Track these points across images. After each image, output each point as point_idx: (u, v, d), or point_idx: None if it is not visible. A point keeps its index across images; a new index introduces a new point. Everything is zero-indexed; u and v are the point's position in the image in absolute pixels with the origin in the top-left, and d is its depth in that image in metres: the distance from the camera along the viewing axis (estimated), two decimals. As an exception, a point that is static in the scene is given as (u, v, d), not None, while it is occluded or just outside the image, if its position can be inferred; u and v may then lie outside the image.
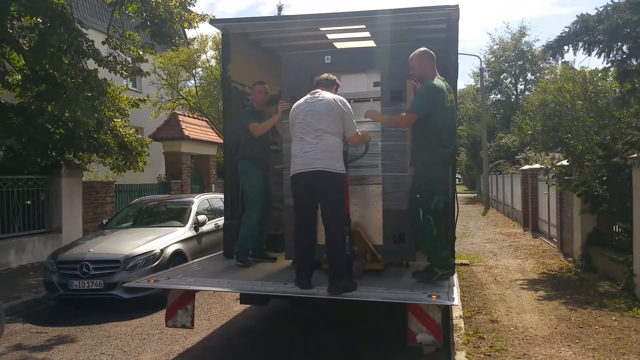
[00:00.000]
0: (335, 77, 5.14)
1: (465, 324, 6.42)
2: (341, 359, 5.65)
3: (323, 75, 5.11)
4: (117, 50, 11.73)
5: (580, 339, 5.78)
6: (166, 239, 8.29)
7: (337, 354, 5.77)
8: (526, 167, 15.69)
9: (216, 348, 6.08)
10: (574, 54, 23.66)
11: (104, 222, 9.85)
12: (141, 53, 12.15)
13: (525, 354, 5.38)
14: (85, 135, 11.41)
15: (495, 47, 39.15)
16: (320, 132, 4.73)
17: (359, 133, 4.98)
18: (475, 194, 38.15)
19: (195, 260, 6.96)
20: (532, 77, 37.12)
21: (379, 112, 5.27)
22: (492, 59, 38.52)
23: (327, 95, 4.89)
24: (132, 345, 6.18)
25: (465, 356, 5.32)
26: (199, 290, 5.20)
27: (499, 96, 38.76)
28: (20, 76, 11.30)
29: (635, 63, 6.10)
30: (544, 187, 13.45)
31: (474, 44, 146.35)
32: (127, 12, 11.71)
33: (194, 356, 5.81)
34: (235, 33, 6.88)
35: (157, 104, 24.35)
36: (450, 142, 5.10)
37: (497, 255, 11.91)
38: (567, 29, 6.26)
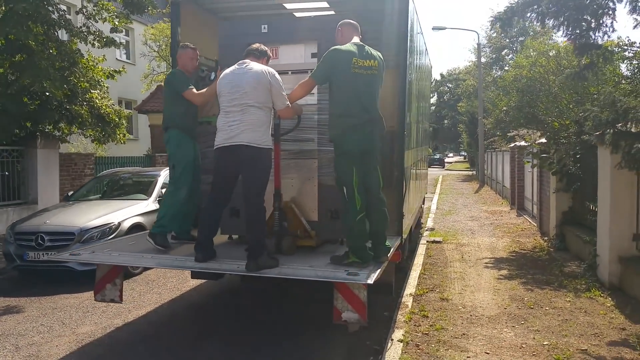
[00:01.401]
0: (266, 49, 4.92)
1: (414, 301, 6.33)
2: (278, 333, 5.57)
3: (254, 45, 4.88)
4: (90, 20, 11.53)
5: (527, 320, 5.66)
6: (126, 212, 8.20)
7: (277, 329, 5.70)
8: (514, 144, 15.44)
9: (157, 322, 6.03)
10: (525, 24, 23.23)
11: (70, 193, 9.79)
12: (116, 23, 11.95)
13: (464, 334, 5.27)
14: (58, 106, 11.27)
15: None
16: (245, 106, 4.55)
17: (290, 106, 4.79)
18: (474, 172, 37.84)
19: (132, 235, 6.87)
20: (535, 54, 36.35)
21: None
22: (494, 35, 37.78)
23: (255, 66, 4.68)
24: (74, 317, 6.14)
25: (402, 334, 5.22)
26: (115, 265, 5.06)
27: (499, 72, 38.04)
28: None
29: (593, 36, 5.84)
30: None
31: (475, 19, 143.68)
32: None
33: (132, 330, 5.75)
34: (187, 2, 6.68)
35: (149, 76, 24.12)
36: (367, 112, 4.65)
37: (474, 233, 11.77)
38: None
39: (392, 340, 5.12)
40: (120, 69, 12.49)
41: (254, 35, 5.21)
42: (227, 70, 4.80)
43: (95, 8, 11.66)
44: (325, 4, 7.03)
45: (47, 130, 12.25)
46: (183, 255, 4.97)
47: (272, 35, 5.30)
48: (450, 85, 60.14)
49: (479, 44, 30.83)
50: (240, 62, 4.78)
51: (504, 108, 9.80)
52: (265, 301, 6.78)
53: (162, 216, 5.48)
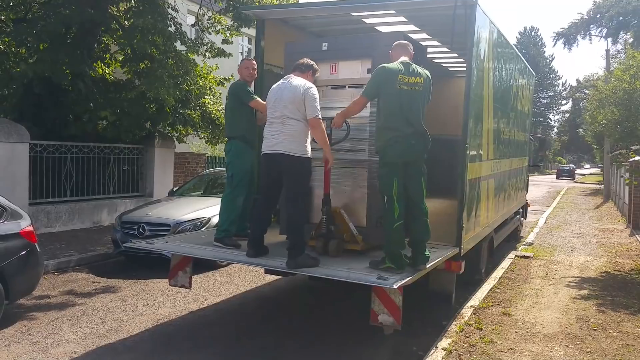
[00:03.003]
0: (312, 63, 5.24)
1: (473, 313, 6.33)
2: (332, 331, 5.88)
3: (301, 60, 5.24)
4: (204, 33, 12.64)
5: (583, 341, 5.49)
6: (218, 208, 8.92)
7: (331, 327, 6.01)
8: (632, 159, 14.36)
9: (225, 310, 6.62)
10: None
11: (174, 189, 10.81)
12: (228, 35, 12.97)
13: (511, 349, 5.25)
14: (173, 110, 12.46)
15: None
16: (284, 118, 4.96)
17: (319, 117, 4.99)
18: (602, 186, 35.18)
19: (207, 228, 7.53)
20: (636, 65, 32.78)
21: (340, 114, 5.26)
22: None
23: (295, 81, 5.04)
24: (158, 299, 6.89)
25: (449, 343, 5.30)
26: (185, 255, 5.65)
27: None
28: (122, 55, 12.58)
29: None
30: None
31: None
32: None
33: (202, 315, 6.37)
34: (271, 19, 7.21)
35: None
36: (410, 125, 4.83)
37: (574, 250, 11.20)
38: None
39: (436, 347, 5.23)
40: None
41: (315, 53, 5.58)
42: (274, 85, 5.23)
43: (209, 21, 12.74)
44: (403, 18, 7.24)
45: (165, 131, 13.59)
46: (240, 251, 5.47)
47: (332, 53, 5.66)
48: (587, 92, 57.08)
49: (607, 51, 28.63)
50: (286, 76, 5.19)
51: (603, 121, 9.27)
52: (329, 300, 7.11)
53: (224, 222, 5.87)
